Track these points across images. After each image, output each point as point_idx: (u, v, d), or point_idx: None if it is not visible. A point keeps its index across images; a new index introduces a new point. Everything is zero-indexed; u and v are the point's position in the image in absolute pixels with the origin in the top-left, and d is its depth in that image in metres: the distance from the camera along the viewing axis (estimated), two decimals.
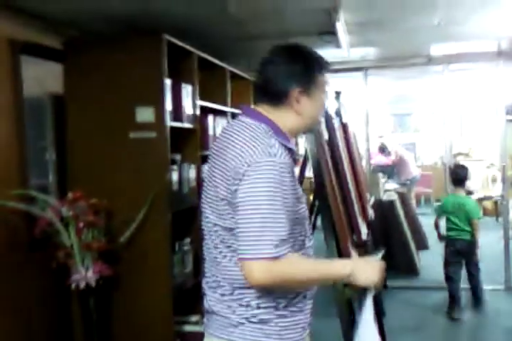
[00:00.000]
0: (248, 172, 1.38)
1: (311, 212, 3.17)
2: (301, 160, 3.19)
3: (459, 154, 9.38)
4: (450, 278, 4.31)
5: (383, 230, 5.33)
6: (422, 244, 6.38)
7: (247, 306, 1.46)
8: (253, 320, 1.46)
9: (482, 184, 9.18)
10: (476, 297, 4.39)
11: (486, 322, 3.72)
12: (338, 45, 3.76)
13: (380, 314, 3.29)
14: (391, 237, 5.45)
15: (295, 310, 1.50)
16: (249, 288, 1.44)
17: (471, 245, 4.19)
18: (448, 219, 4.31)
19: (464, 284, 4.42)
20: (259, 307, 1.46)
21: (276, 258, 1.35)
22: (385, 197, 5.93)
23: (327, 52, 4.16)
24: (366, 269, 1.48)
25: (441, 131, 10.36)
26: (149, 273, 2.84)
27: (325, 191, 2.67)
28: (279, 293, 1.46)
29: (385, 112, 10.58)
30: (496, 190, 8.44)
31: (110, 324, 2.85)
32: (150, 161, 2.82)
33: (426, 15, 3.41)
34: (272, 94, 1.52)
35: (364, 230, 3.20)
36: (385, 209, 5.54)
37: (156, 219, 2.80)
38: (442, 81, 5.19)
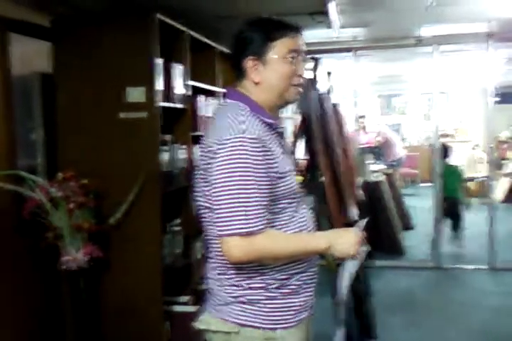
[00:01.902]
0: (218, 150, 1.40)
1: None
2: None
3: (445, 135, 9.43)
4: None
5: (370, 211, 5.38)
6: (407, 225, 6.48)
7: (238, 286, 1.47)
8: (242, 299, 1.47)
9: (467, 165, 9.28)
10: None
11: (472, 302, 3.79)
12: (329, 26, 3.73)
13: (367, 294, 3.34)
14: (377, 218, 5.51)
15: (287, 292, 1.49)
16: (241, 268, 1.45)
17: None
18: None
19: None
20: (249, 288, 1.47)
21: (250, 233, 1.36)
22: (372, 178, 5.97)
23: (318, 33, 4.18)
24: (343, 241, 1.46)
25: (428, 112, 10.45)
26: (139, 254, 2.83)
27: (318, 170, 2.68)
28: (271, 274, 1.46)
29: (371, 93, 10.58)
30: (480, 171, 8.54)
31: (100, 305, 2.85)
32: (140, 142, 2.79)
33: None
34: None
35: (354, 210, 3.23)
36: (371, 190, 5.59)
37: (146, 199, 2.78)
38: (431, 62, 5.20)
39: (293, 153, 3.11)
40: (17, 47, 2.67)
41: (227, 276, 1.49)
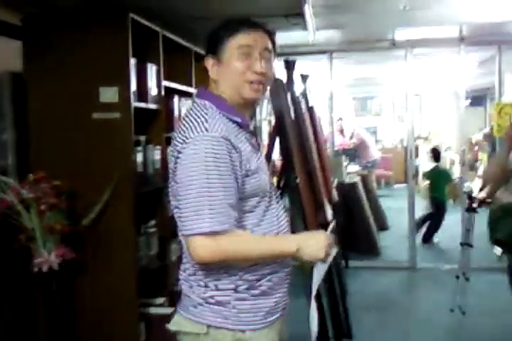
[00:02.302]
0: (182, 150, 1.40)
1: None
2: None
3: (419, 138, 9.56)
4: None
5: (346, 212, 5.41)
6: (382, 225, 6.54)
7: (206, 287, 1.46)
8: (211, 301, 1.46)
9: None
10: None
11: (446, 302, 3.84)
12: (304, 28, 3.75)
13: (343, 294, 3.36)
14: (353, 218, 5.55)
15: (257, 294, 1.48)
16: (210, 269, 1.45)
17: None
18: None
19: None
20: (218, 289, 1.46)
21: (215, 233, 1.35)
22: (347, 180, 6.01)
23: (293, 35, 4.20)
24: (312, 244, 1.43)
25: (402, 115, 10.58)
26: (114, 256, 2.80)
27: (293, 171, 2.69)
28: (240, 275, 1.45)
29: (346, 95, 10.67)
30: (453, 173, 8.66)
31: (74, 307, 2.82)
32: (114, 142, 2.76)
33: None
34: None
35: (329, 211, 3.24)
36: (347, 191, 5.63)
37: (120, 200, 2.75)
38: (405, 65, 5.26)
39: (269, 152, 3.12)
40: None
41: (196, 277, 1.48)
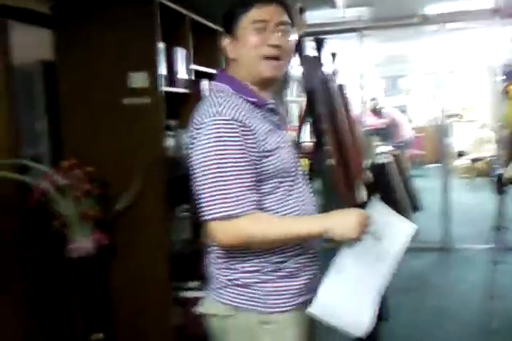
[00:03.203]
0: (196, 135, 1.39)
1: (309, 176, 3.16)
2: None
3: (452, 115, 9.35)
4: None
5: (379, 192, 5.34)
6: (416, 206, 6.44)
7: (232, 269, 1.45)
8: (238, 282, 1.45)
9: (475, 145, 9.21)
10: None
11: (483, 281, 3.77)
12: (333, 5, 3.67)
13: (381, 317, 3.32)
14: (386, 199, 5.47)
15: (283, 275, 1.45)
16: (235, 251, 1.43)
17: None
18: None
19: None
20: (244, 271, 1.44)
21: (231, 216, 1.33)
22: (379, 160, 5.92)
23: (322, 13, 4.11)
24: (342, 222, 1.36)
25: (434, 92, 10.34)
26: (146, 241, 2.83)
27: (326, 152, 2.65)
28: (265, 257, 1.43)
29: (376, 74, 10.47)
30: (488, 151, 8.48)
31: (108, 292, 2.86)
32: (145, 128, 2.76)
33: None
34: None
35: (363, 192, 3.20)
36: (379, 171, 5.54)
37: (152, 186, 2.77)
38: (437, 41, 5.12)
39: (299, 134, 3.08)
40: (17, 35, 2.64)
41: (222, 259, 1.47)
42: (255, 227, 1.36)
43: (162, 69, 2.79)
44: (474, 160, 8.68)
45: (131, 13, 2.72)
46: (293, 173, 1.49)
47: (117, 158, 2.78)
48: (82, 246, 2.62)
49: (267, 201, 1.43)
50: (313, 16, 3.90)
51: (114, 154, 2.78)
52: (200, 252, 3.21)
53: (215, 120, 1.36)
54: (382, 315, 3.22)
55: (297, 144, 3.15)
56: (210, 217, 1.35)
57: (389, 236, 1.43)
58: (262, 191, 1.42)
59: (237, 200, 1.34)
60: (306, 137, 3.22)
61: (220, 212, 1.34)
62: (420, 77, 11.07)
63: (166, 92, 2.82)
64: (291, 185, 1.48)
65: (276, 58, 1.45)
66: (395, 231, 1.47)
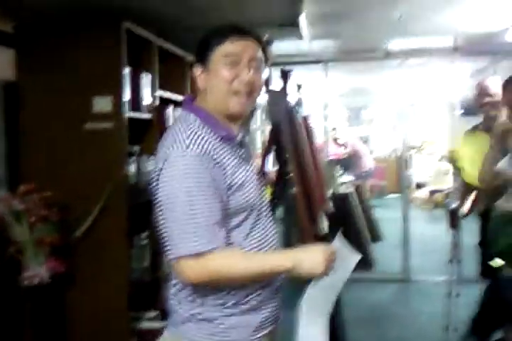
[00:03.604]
0: (163, 170, 1.35)
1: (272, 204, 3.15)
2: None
3: (412, 147, 9.56)
4: None
5: (339, 223, 5.38)
6: (376, 236, 6.50)
7: (193, 303, 1.42)
8: (198, 317, 1.41)
9: (434, 177, 9.42)
10: None
11: (441, 313, 3.80)
12: (299, 37, 3.73)
13: (338, 307, 3.31)
14: (347, 230, 5.50)
15: (246, 309, 1.42)
16: (197, 285, 1.40)
17: None
18: None
19: None
20: (204, 305, 1.41)
21: (201, 254, 1.30)
22: (341, 190, 5.98)
23: (288, 45, 4.18)
24: (308, 258, 1.36)
25: (395, 124, 10.59)
26: (105, 269, 2.75)
27: (289, 181, 2.65)
28: (228, 291, 1.40)
29: (340, 105, 10.67)
30: (446, 183, 8.67)
31: (64, 322, 2.75)
32: (107, 153, 2.72)
33: (388, 9, 3.42)
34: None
35: (324, 222, 3.21)
36: (341, 201, 5.59)
37: (112, 213, 2.71)
38: (399, 75, 5.26)
39: (263, 163, 3.08)
40: None
41: (183, 293, 1.43)
42: (225, 264, 1.34)
43: (127, 94, 2.76)
44: (433, 192, 8.87)
45: (98, 36, 2.71)
46: (258, 207, 1.48)
47: (78, 183, 2.72)
48: (36, 273, 2.53)
49: (232, 236, 1.41)
50: (280, 47, 3.97)
51: (75, 179, 2.72)
52: (159, 281, 3.16)
53: (184, 154, 1.34)
54: None
55: (261, 173, 3.15)
56: (178, 254, 1.32)
57: (340, 267, 1.44)
58: (228, 225, 1.40)
59: (207, 237, 1.31)
60: (270, 166, 3.22)
61: (190, 249, 1.31)
62: (382, 109, 11.35)
63: (130, 117, 2.79)
64: (256, 219, 1.46)
65: (246, 94, 1.44)
66: (346, 261, 1.49)
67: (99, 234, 2.72)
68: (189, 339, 1.42)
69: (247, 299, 1.42)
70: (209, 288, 1.40)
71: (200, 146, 1.35)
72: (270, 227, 1.52)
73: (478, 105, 3.31)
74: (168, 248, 1.35)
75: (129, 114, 2.77)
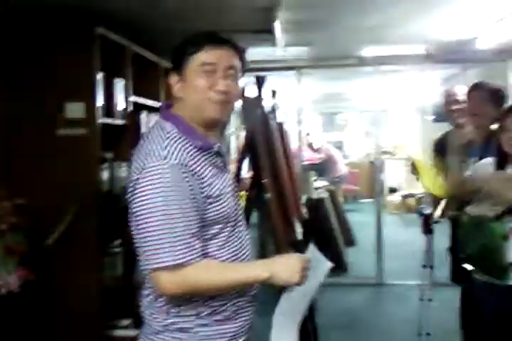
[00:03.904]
0: (138, 180, 1.33)
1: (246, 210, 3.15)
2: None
3: (385, 152, 9.66)
4: None
5: (314, 228, 5.40)
6: (350, 241, 6.54)
7: (167, 314, 1.40)
8: (172, 327, 1.40)
9: (406, 181, 9.53)
10: None
11: (415, 317, 3.84)
12: (273, 44, 3.75)
13: (312, 311, 3.32)
14: (321, 234, 5.53)
15: (221, 319, 1.42)
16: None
17: None
18: None
19: None
20: (178, 316, 1.40)
21: (178, 266, 1.30)
22: (315, 195, 6.00)
23: (262, 51, 4.20)
24: (284, 268, 1.36)
25: (368, 130, 10.69)
26: (77, 277, 2.72)
27: (264, 188, 2.65)
28: (203, 301, 1.39)
29: (314, 111, 10.74)
30: (419, 188, 8.76)
31: (35, 331, 2.70)
32: (79, 159, 2.70)
33: (362, 17, 3.46)
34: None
35: (299, 229, 3.21)
36: (315, 206, 5.61)
37: (85, 220, 2.68)
38: (372, 82, 5.32)
39: (238, 170, 3.08)
40: None
41: (156, 304, 1.42)
42: (202, 276, 1.33)
43: (100, 100, 2.74)
44: (405, 197, 8.97)
45: (71, 41, 2.68)
46: (234, 218, 1.47)
47: (51, 190, 2.69)
48: (4, 282, 2.47)
49: (208, 246, 1.40)
50: (254, 53, 3.98)
51: (48, 186, 2.69)
52: (133, 289, 3.12)
53: (160, 165, 1.32)
54: None
55: (236, 179, 3.14)
56: (155, 265, 1.31)
57: (313, 274, 1.45)
58: (205, 237, 1.39)
59: (184, 249, 1.30)
60: (245, 171, 3.22)
61: (168, 260, 1.29)
62: (356, 115, 11.45)
63: (103, 124, 2.76)
64: (231, 230, 1.46)
65: (222, 103, 1.43)
66: (318, 270, 1.49)
67: (72, 242, 2.68)
68: None
69: (222, 309, 1.42)
70: (184, 298, 1.38)
71: (177, 157, 1.34)
72: (245, 238, 1.52)
73: (446, 112, 3.35)
74: (144, 259, 1.33)
75: (102, 120, 2.75)
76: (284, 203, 3.00)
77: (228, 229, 1.45)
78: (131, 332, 2.87)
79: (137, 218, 1.33)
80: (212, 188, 1.39)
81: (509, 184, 2.31)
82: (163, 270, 1.30)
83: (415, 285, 4.74)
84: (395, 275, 5.38)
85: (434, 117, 5.80)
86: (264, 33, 3.48)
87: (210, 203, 1.38)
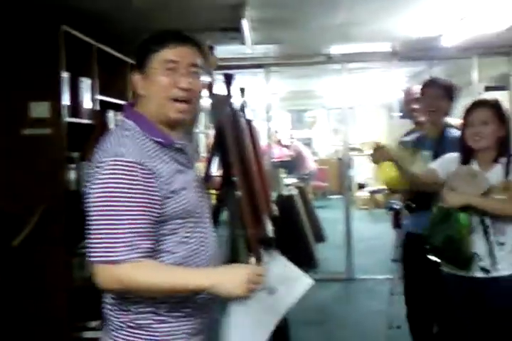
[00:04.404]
0: (93, 175, 1.35)
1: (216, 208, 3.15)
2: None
3: (353, 149, 9.76)
4: None
5: (283, 224, 5.42)
6: (319, 237, 6.60)
7: (127, 311, 1.40)
8: (131, 324, 1.40)
9: (374, 177, 9.65)
10: None
11: (385, 312, 3.90)
12: (242, 42, 3.75)
13: None
14: (291, 231, 5.56)
15: (179, 316, 1.42)
16: (130, 292, 1.38)
17: None
18: None
19: None
20: (137, 312, 1.40)
21: (115, 262, 1.29)
22: (285, 192, 6.03)
23: (231, 49, 4.19)
24: (228, 279, 1.33)
25: (337, 127, 10.79)
26: (46, 278, 2.68)
27: (234, 185, 2.65)
28: (160, 298, 1.39)
29: (282, 108, 10.78)
30: None
31: (2, 331, 2.65)
32: (46, 159, 2.65)
33: (329, 15, 3.49)
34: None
35: (269, 225, 3.23)
36: (285, 203, 5.64)
37: (52, 220, 2.64)
38: (340, 79, 5.37)
39: (208, 167, 3.07)
40: None
41: (116, 301, 1.42)
42: (137, 275, 1.31)
43: (66, 99, 2.69)
44: (373, 193, 9.08)
45: (35, 40, 2.63)
46: (197, 214, 1.47)
47: (15, 191, 2.64)
48: None
49: (165, 242, 1.40)
50: (222, 51, 3.97)
51: (12, 186, 2.64)
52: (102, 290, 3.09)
53: (116, 161, 1.32)
54: None
55: (206, 176, 3.14)
56: (93, 259, 1.31)
57: (285, 290, 1.42)
58: (162, 232, 1.38)
59: (124, 247, 1.30)
60: (215, 169, 3.21)
61: (105, 256, 1.29)
62: (324, 112, 11.54)
63: (70, 123, 2.72)
64: (193, 227, 1.45)
65: (184, 101, 1.43)
66: (292, 285, 1.47)
67: (39, 242, 2.64)
68: None
69: (180, 305, 1.42)
70: (140, 295, 1.38)
71: (133, 155, 1.34)
72: (209, 236, 1.51)
73: (407, 111, 3.41)
74: (88, 251, 1.33)
75: (68, 119, 2.71)
76: (255, 200, 3.01)
77: (189, 225, 1.44)
78: (100, 334, 2.83)
79: (89, 211, 1.34)
80: (172, 184, 1.38)
81: (473, 179, 2.36)
82: (102, 264, 1.30)
83: (385, 279, 4.83)
84: (364, 270, 5.45)
85: (400, 114, 5.86)
86: (232, 31, 3.48)
87: (169, 197, 1.38)
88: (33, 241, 2.63)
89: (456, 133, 2.67)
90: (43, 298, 2.68)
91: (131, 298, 1.39)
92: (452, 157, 2.51)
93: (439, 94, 2.88)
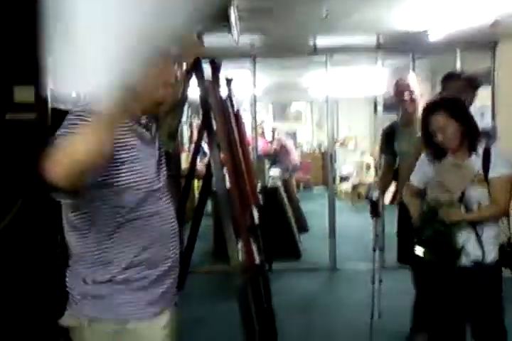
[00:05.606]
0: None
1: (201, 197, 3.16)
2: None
3: (337, 142, 9.82)
4: None
5: (268, 215, 5.44)
6: (303, 227, 6.65)
7: (84, 282, 1.48)
8: (91, 294, 1.48)
9: (357, 171, 9.72)
10: None
11: (368, 301, 3.94)
12: (228, 31, 3.72)
13: (268, 297, 3.35)
14: (275, 221, 5.59)
15: (136, 288, 1.50)
16: (86, 261, 1.46)
17: None
18: None
19: None
20: (94, 283, 1.47)
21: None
22: (269, 184, 6.05)
23: (216, 38, 4.15)
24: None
25: (321, 120, 10.81)
26: (29, 267, 2.65)
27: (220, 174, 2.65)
28: (116, 268, 1.47)
29: (268, 100, 10.78)
30: (369, 177, 8.98)
31: None
32: (29, 145, 2.61)
33: (315, 6, 3.49)
34: None
35: (256, 214, 3.24)
36: (270, 194, 5.66)
37: (35, 208, 2.61)
38: (325, 71, 5.37)
39: (194, 155, 3.05)
40: None
41: (75, 272, 1.50)
42: (66, 149, 1.26)
43: (50, 84, 2.66)
44: (356, 185, 9.16)
45: (19, 21, 2.59)
46: (150, 188, 1.51)
47: None
48: None
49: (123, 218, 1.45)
50: (209, 40, 3.95)
51: None
52: None
53: (80, 112, 1.36)
54: (270, 338, 3.23)
55: (192, 165, 3.14)
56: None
57: None
58: (122, 203, 1.44)
59: None
60: (201, 159, 3.21)
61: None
62: (308, 105, 11.56)
63: (54, 108, 2.69)
64: (151, 200, 1.50)
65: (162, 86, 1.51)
66: None
67: (22, 232, 2.61)
68: (86, 316, 1.48)
69: (136, 277, 1.49)
70: (98, 264, 1.45)
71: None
72: (166, 211, 1.57)
73: (398, 102, 3.45)
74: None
75: (52, 104, 2.68)
76: (242, 190, 3.01)
77: (144, 198, 1.48)
78: None
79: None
80: (128, 152, 1.44)
81: (458, 170, 2.39)
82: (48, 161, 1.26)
83: (367, 269, 4.87)
84: (347, 259, 5.50)
85: (384, 108, 5.89)
86: (219, 20, 3.45)
87: (120, 167, 1.42)
88: (15, 231, 2.60)
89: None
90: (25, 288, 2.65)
91: (89, 267, 1.46)
92: (422, 159, 2.57)
93: (462, 85, 2.96)
